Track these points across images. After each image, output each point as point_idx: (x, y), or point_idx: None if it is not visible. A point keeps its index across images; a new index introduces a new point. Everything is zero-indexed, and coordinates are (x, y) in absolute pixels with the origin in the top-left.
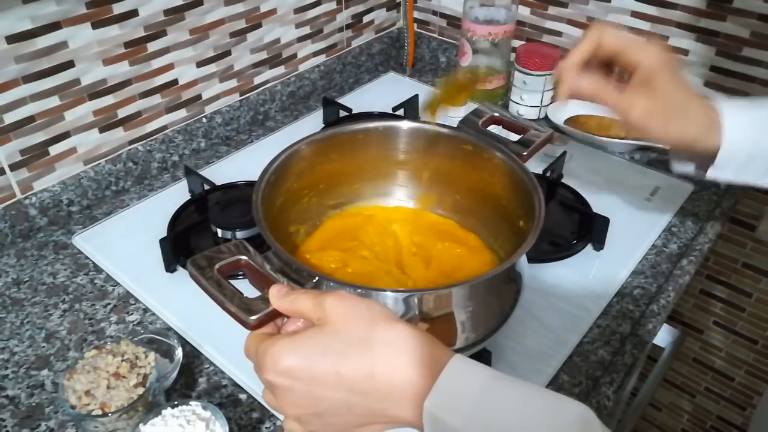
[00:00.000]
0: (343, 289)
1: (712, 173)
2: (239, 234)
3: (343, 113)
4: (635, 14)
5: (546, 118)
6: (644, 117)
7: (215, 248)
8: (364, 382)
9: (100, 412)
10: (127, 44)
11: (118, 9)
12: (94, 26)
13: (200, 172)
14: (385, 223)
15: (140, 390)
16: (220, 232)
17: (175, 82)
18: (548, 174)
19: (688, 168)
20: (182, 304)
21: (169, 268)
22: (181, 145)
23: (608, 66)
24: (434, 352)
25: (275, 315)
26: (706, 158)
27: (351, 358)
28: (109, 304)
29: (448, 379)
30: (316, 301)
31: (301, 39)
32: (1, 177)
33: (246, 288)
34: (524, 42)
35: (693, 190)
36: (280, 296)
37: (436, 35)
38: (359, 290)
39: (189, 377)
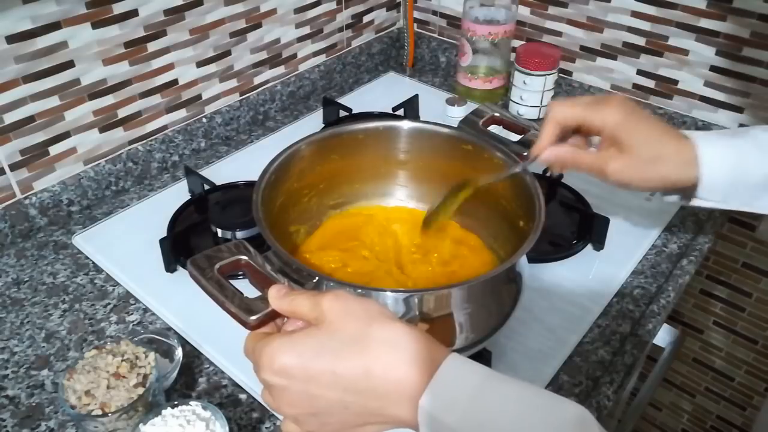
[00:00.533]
0: (343, 289)
1: (697, 203)
2: (239, 234)
3: (343, 113)
4: (635, 14)
5: None
6: (619, 174)
7: (215, 248)
8: (359, 380)
9: (100, 412)
10: (127, 44)
11: (118, 9)
12: (94, 26)
13: (200, 172)
14: (385, 223)
15: (140, 390)
16: (220, 232)
17: (175, 82)
18: (548, 174)
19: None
20: (182, 304)
21: (169, 268)
22: (181, 145)
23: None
24: (431, 351)
25: (275, 315)
26: (690, 190)
27: (347, 356)
28: (109, 304)
29: (444, 377)
30: (314, 301)
31: (301, 39)
32: (1, 177)
33: (246, 288)
34: (524, 42)
35: None
36: (279, 297)
37: (436, 35)
38: (359, 290)
39: (189, 377)
